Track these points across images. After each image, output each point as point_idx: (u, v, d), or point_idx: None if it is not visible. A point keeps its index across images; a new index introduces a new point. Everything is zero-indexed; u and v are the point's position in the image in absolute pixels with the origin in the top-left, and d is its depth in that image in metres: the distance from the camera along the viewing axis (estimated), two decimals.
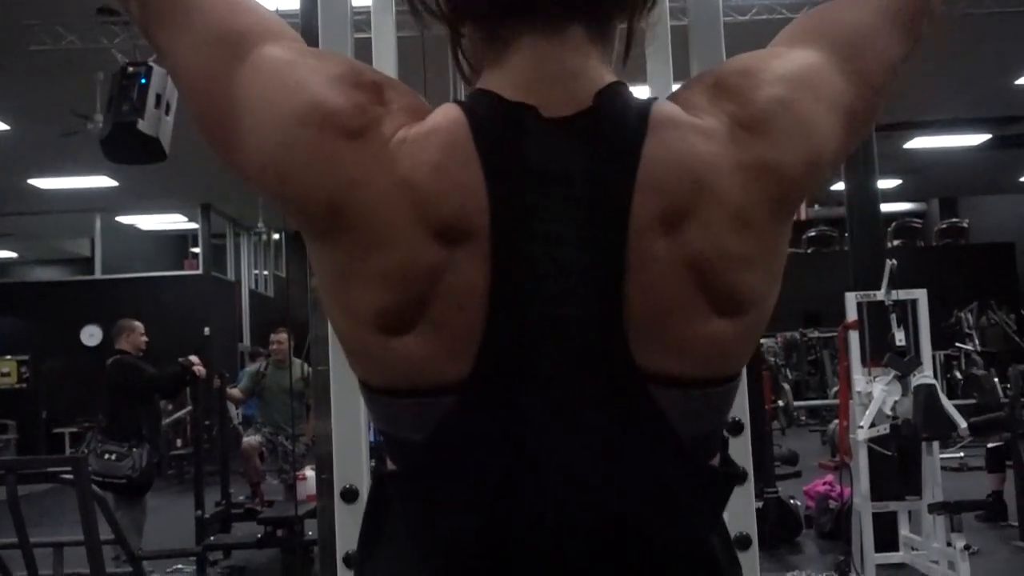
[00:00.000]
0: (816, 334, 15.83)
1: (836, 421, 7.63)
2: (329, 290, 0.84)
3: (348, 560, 1.58)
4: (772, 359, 14.97)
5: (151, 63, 7.17)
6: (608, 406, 0.80)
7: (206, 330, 14.85)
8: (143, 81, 7.05)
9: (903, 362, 5.21)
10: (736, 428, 1.57)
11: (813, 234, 18.75)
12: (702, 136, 0.80)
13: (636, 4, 0.87)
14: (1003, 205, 19.12)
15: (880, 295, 5.40)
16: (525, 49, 0.83)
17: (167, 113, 7.17)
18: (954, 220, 19.63)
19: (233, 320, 16.85)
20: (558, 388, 0.79)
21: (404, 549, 0.86)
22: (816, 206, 18.69)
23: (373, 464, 1.64)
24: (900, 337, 5.25)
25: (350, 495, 1.59)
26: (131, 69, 7.11)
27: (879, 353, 5.55)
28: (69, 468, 4.10)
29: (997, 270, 16.93)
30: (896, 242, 17.90)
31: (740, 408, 1.57)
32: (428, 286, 0.78)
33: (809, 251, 18.64)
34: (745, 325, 0.83)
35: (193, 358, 6.72)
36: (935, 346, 7.07)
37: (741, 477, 1.59)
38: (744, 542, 1.55)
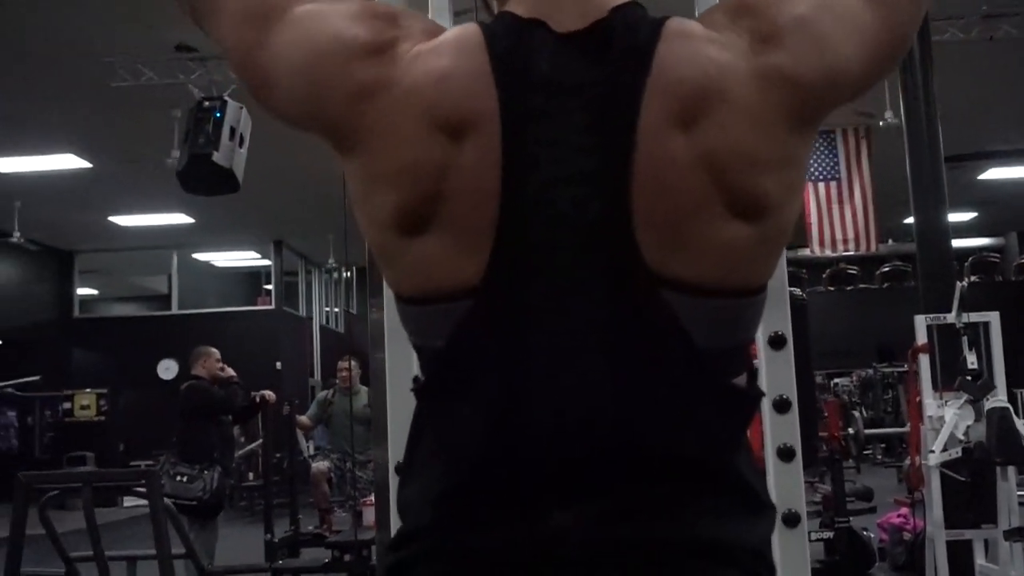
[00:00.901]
0: (890, 369, 15.47)
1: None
2: (358, 202, 0.90)
3: None
4: (847, 397, 14.70)
5: (226, 97, 7.39)
6: (619, 309, 0.81)
7: (278, 364, 15.09)
8: (218, 115, 7.27)
9: (975, 386, 5.09)
10: (783, 406, 1.57)
11: (886, 269, 18.47)
12: (717, 46, 0.84)
13: None
14: None
15: (951, 318, 5.29)
16: None
17: (241, 145, 7.38)
18: None
19: (304, 355, 17.10)
20: (569, 291, 0.82)
21: (433, 464, 0.89)
22: (889, 241, 18.42)
23: None
24: (972, 360, 5.13)
25: None
26: (207, 103, 7.34)
27: (951, 379, 5.43)
28: (143, 482, 4.20)
29: None
30: (973, 278, 17.50)
31: (787, 385, 1.57)
32: (439, 183, 0.82)
33: (884, 286, 18.35)
34: (761, 232, 0.84)
35: (268, 393, 6.89)
36: (1016, 384, 6.79)
37: (788, 454, 1.59)
38: (793, 519, 1.54)
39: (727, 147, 0.82)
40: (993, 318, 5.37)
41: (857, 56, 0.88)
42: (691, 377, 0.83)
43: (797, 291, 2.27)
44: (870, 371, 16.23)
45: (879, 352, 15.99)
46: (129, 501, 13.15)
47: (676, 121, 0.81)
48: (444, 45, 0.85)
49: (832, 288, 18.73)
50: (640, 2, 0.88)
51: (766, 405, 1.61)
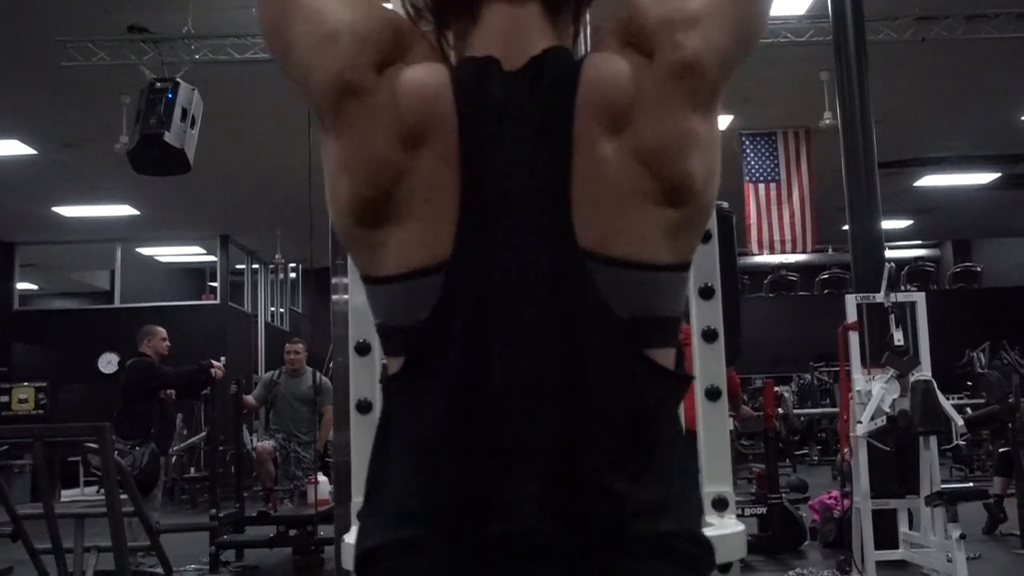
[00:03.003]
0: (828, 368, 15.83)
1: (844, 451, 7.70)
2: (328, 182, 1.04)
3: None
4: (787, 399, 15.00)
5: (178, 79, 7.45)
6: (557, 281, 0.96)
7: (223, 359, 15.01)
8: (170, 96, 7.33)
9: (902, 361, 5.33)
10: (708, 292, 1.73)
11: (825, 276, 18.91)
12: (624, 59, 1.01)
13: None
14: (1017, 249, 19.19)
15: (879, 297, 5.54)
16: (495, 21, 1.05)
17: (192, 127, 7.44)
18: (967, 264, 19.72)
19: (249, 352, 17.03)
20: (518, 266, 0.96)
21: (401, 449, 1.00)
22: (829, 249, 18.85)
23: None
24: (899, 337, 5.37)
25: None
26: (159, 84, 7.39)
27: (879, 356, 5.67)
28: (93, 436, 4.26)
29: (1012, 315, 16.85)
30: (909, 287, 17.97)
31: (711, 274, 1.73)
32: (395, 183, 0.98)
33: (824, 292, 18.77)
34: (685, 215, 1.00)
35: (215, 362, 6.95)
36: (947, 391, 7.08)
37: (711, 335, 1.74)
38: (715, 394, 1.68)
39: (651, 141, 0.98)
40: (919, 298, 5.63)
41: (722, 30, 1.02)
42: (612, 344, 0.96)
43: (724, 204, 2.46)
44: (808, 375, 16.59)
45: (818, 358, 16.35)
46: (64, 496, 13.02)
47: (605, 128, 0.98)
48: (420, 68, 1.01)
49: (772, 295, 19.14)
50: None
51: (692, 292, 1.76)
